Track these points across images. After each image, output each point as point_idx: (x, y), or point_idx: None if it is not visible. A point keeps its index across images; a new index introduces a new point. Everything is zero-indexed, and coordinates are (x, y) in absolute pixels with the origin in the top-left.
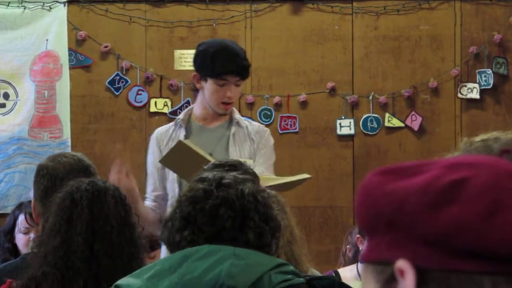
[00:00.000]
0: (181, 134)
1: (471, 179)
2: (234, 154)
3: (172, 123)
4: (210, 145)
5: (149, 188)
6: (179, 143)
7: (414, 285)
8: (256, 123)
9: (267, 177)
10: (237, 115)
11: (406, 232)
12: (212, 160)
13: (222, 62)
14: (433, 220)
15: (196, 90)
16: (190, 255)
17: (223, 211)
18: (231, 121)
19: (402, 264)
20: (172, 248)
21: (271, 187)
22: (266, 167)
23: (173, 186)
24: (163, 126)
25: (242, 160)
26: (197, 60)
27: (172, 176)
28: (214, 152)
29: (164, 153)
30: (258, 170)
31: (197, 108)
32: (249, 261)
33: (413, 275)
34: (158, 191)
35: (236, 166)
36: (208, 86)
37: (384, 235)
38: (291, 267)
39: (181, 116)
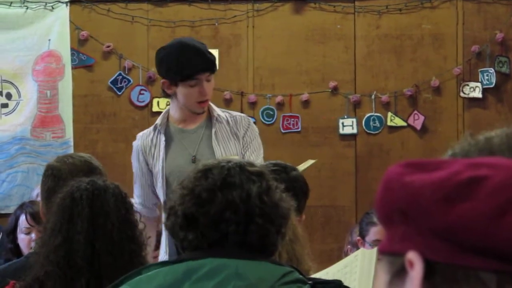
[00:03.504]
0: (161, 140)
1: (488, 178)
2: (219, 153)
3: (151, 128)
4: (193, 147)
5: (138, 193)
6: None
7: (422, 277)
8: (236, 113)
9: None
10: (215, 112)
11: (418, 224)
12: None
13: (188, 64)
14: (445, 214)
15: (167, 96)
16: (193, 271)
17: (227, 215)
18: (210, 119)
19: (412, 255)
20: (175, 239)
21: None
22: (260, 161)
23: (162, 192)
24: (143, 132)
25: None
26: (162, 67)
27: (160, 183)
28: (198, 154)
29: (148, 159)
30: None
31: (173, 111)
32: (252, 280)
33: (421, 267)
34: (147, 196)
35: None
36: (180, 90)
37: (399, 227)
38: (296, 274)
39: (158, 121)
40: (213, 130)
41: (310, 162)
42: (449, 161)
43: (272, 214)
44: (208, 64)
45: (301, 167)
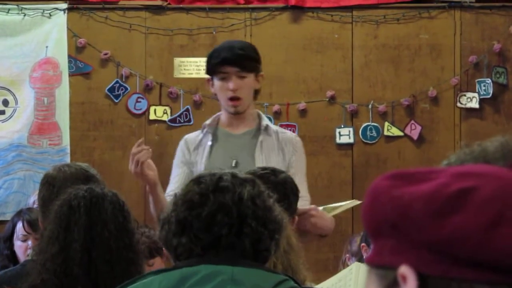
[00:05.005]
0: (208, 140)
1: (477, 189)
2: (260, 163)
3: (199, 130)
4: (236, 152)
5: (171, 187)
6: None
7: None
8: (288, 132)
9: (328, 207)
10: (265, 122)
11: (409, 238)
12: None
13: (217, 55)
14: (437, 228)
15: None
16: (188, 277)
17: (220, 218)
18: (259, 128)
19: (404, 270)
20: (169, 251)
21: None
22: (304, 187)
23: None
24: (193, 133)
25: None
26: (206, 64)
27: None
28: (239, 160)
29: (192, 157)
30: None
31: (222, 114)
32: (248, 286)
33: (414, 281)
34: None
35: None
36: (215, 86)
37: (388, 240)
38: (291, 283)
39: (207, 121)
40: (260, 140)
41: (355, 202)
42: (435, 171)
43: (265, 217)
44: (235, 58)
45: (346, 205)
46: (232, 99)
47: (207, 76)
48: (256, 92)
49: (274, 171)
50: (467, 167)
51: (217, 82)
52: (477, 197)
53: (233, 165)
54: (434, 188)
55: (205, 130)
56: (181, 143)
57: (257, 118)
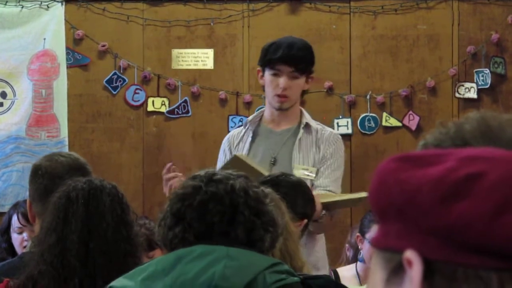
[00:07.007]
0: (249, 136)
1: (485, 174)
2: (297, 161)
3: (243, 126)
4: (275, 149)
5: None
6: (235, 157)
7: (421, 276)
8: (329, 129)
9: (325, 194)
10: (306, 119)
11: (415, 222)
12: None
13: (274, 50)
14: (443, 214)
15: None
16: (184, 256)
17: (212, 206)
18: (299, 125)
19: (410, 254)
20: (166, 247)
21: (328, 203)
22: (333, 179)
23: None
24: (237, 128)
25: (305, 167)
26: (260, 54)
27: None
28: (278, 156)
29: (233, 153)
30: (322, 182)
31: (266, 109)
32: (243, 262)
33: (420, 266)
34: None
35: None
36: (266, 79)
37: (394, 223)
38: (286, 266)
39: (250, 117)
40: (298, 137)
41: (363, 194)
42: (444, 154)
43: (257, 208)
44: (291, 58)
45: (351, 196)
46: (279, 95)
47: (258, 67)
48: (304, 92)
49: (285, 175)
50: (477, 150)
51: (268, 76)
52: (484, 183)
53: (271, 161)
54: (441, 173)
55: (247, 127)
56: (224, 143)
57: (299, 116)
